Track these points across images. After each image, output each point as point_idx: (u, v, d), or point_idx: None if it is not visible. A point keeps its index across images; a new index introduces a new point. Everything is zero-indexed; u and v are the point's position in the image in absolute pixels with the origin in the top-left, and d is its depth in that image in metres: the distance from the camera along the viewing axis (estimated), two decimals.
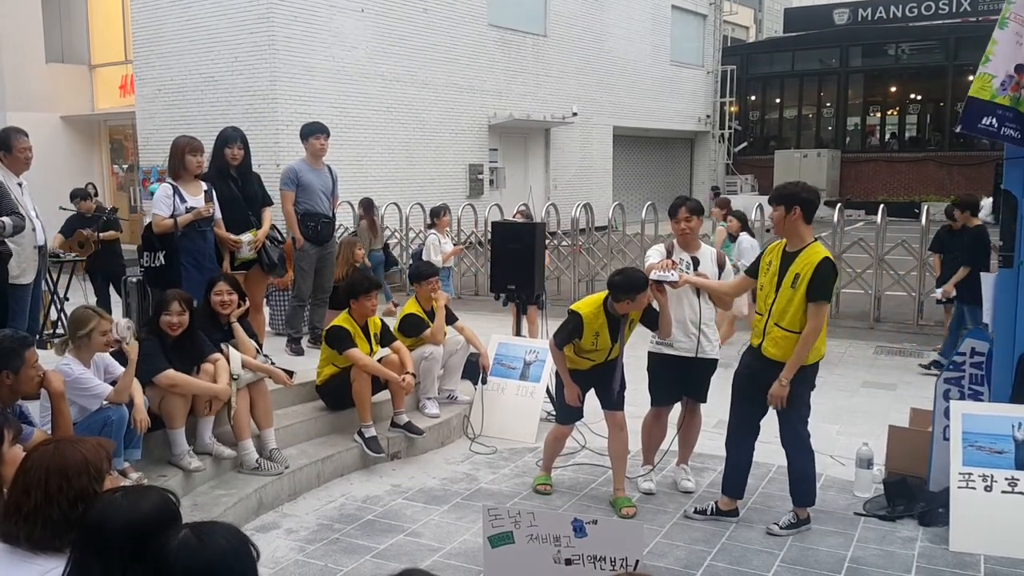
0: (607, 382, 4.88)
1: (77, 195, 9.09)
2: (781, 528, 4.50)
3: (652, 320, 4.79)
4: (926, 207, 10.69)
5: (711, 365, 5.04)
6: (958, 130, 4.88)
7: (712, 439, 5.74)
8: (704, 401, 5.16)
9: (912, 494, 4.75)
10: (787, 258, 4.34)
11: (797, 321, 4.27)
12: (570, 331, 4.73)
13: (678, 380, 5.03)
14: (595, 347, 4.76)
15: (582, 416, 5.10)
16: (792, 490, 4.57)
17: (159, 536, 1.90)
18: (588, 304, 4.77)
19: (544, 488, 5.12)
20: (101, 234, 8.52)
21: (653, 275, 4.54)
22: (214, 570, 1.78)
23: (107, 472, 2.34)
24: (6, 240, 5.12)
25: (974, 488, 4.31)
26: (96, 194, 10.44)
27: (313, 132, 6.68)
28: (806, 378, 4.42)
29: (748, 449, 4.66)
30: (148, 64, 16.03)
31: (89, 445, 2.36)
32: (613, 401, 4.90)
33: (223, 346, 5.06)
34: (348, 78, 15.42)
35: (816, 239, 4.41)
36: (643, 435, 5.23)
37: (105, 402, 4.18)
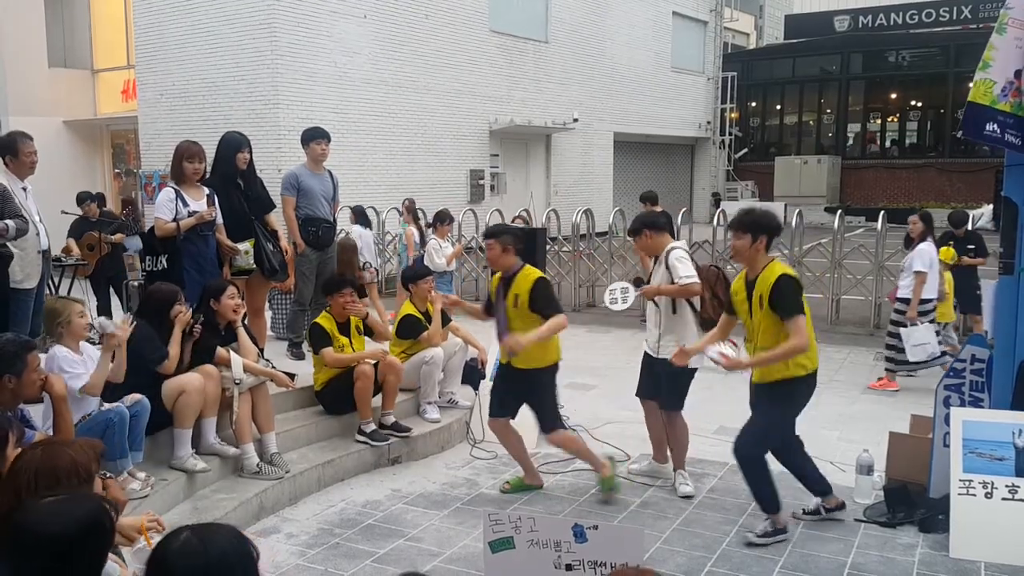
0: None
1: (85, 198, 9.13)
2: (758, 536, 4.44)
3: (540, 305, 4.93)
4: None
5: (661, 364, 5.07)
6: (959, 135, 4.92)
7: (713, 445, 5.75)
8: (669, 408, 5.14)
9: (912, 501, 4.75)
10: (750, 285, 4.38)
11: (770, 338, 4.29)
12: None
13: (648, 375, 5.22)
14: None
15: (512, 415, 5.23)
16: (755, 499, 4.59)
17: (82, 551, 1.91)
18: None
19: (508, 487, 5.25)
20: (111, 236, 8.58)
21: (710, 353, 4.50)
22: (216, 572, 1.78)
23: (96, 473, 2.32)
24: (8, 243, 5.13)
25: (974, 495, 4.32)
26: (104, 204, 10.50)
27: (314, 137, 6.70)
28: (790, 395, 4.40)
29: (801, 455, 4.71)
30: (150, 69, 16.06)
31: (77, 447, 2.34)
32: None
33: (225, 349, 5.08)
34: (350, 83, 15.45)
35: (774, 258, 4.39)
36: (649, 432, 5.37)
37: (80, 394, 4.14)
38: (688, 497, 5.08)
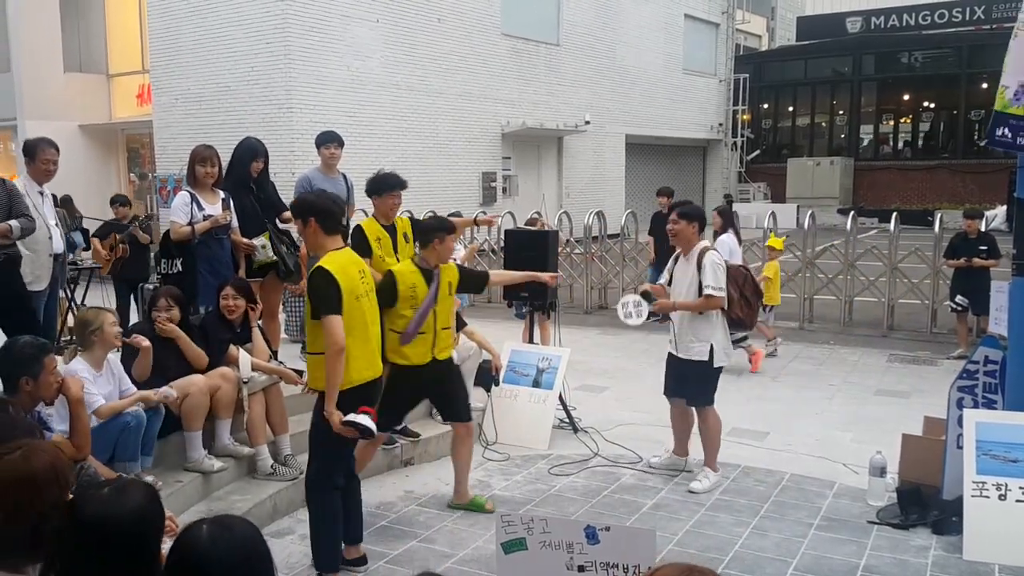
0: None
1: (116, 200, 9.32)
2: None
3: (473, 283, 4.85)
4: (939, 215, 10.64)
5: (687, 365, 5.17)
6: (983, 144, 4.94)
7: (726, 447, 5.74)
8: (699, 404, 5.30)
9: (925, 502, 4.74)
10: None
11: (313, 339, 3.88)
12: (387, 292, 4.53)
13: (672, 375, 5.35)
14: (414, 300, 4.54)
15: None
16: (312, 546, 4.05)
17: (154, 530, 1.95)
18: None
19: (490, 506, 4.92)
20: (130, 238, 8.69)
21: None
22: (248, 550, 1.86)
23: (74, 481, 2.20)
24: (17, 243, 5.16)
25: (988, 497, 4.30)
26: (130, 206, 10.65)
27: (324, 142, 6.75)
28: (341, 406, 3.80)
29: (354, 497, 4.19)
30: (165, 73, 16.19)
31: (51, 452, 2.19)
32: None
33: (235, 348, 5.12)
34: (362, 87, 15.52)
35: (341, 248, 3.95)
36: (672, 428, 5.54)
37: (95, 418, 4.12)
38: (694, 493, 5.14)
